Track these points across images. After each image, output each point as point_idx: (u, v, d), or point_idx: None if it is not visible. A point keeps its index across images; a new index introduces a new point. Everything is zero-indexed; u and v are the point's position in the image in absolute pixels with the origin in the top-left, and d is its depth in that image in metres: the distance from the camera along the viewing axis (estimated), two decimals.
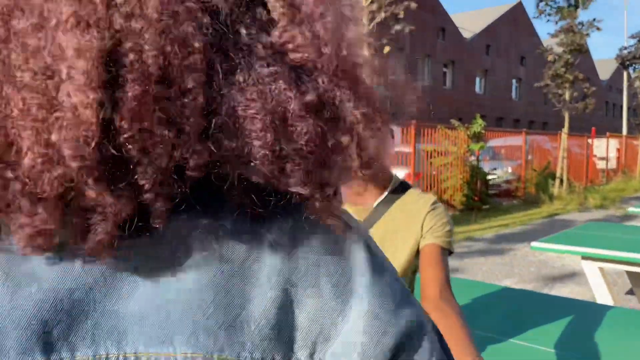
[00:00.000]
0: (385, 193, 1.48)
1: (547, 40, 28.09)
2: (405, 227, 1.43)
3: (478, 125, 10.55)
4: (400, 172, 9.25)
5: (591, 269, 3.54)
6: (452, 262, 6.24)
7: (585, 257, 3.52)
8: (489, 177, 11.24)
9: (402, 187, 1.50)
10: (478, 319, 1.97)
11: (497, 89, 34.17)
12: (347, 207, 1.45)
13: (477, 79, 32.72)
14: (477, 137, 10.56)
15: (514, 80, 36.03)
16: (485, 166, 11.35)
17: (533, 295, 2.54)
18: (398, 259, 1.42)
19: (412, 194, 1.48)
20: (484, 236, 8.04)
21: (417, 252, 1.41)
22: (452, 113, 25.63)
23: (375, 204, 1.46)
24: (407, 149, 9.47)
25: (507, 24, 34.70)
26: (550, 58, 12.77)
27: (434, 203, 1.45)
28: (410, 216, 1.43)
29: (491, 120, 31.83)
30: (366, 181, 1.46)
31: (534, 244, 3.64)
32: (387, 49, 6.49)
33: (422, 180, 9.75)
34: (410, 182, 8.67)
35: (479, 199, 10.84)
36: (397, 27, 6.69)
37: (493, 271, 5.85)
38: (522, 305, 2.21)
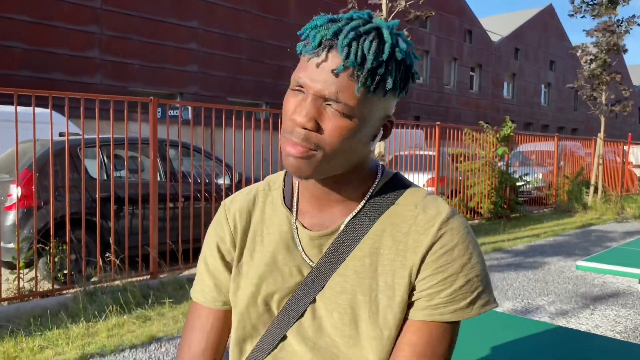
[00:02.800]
0: (362, 203, 0.91)
1: (577, 42, 27.17)
2: (392, 270, 0.86)
3: (508, 127, 9.93)
4: (422, 177, 8.70)
5: None
6: None
7: None
8: (519, 183, 10.59)
9: (394, 188, 0.92)
10: None
11: (526, 94, 33.22)
12: (303, 234, 0.92)
13: (505, 83, 31.84)
14: (506, 141, 9.94)
15: (542, 85, 35.01)
16: (515, 172, 10.70)
17: (606, 343, 1.98)
18: (382, 333, 0.86)
19: (408, 202, 0.89)
20: (514, 247, 7.42)
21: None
22: (478, 118, 24.91)
23: (343, 223, 0.90)
24: (431, 152, 8.91)
25: (536, 27, 33.75)
26: (584, 60, 12.04)
27: (444, 222, 0.86)
28: (401, 249, 0.86)
29: (519, 125, 30.91)
30: (330, 187, 0.89)
31: (580, 263, 3.08)
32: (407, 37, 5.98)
33: (446, 186, 9.17)
34: (432, 187, 8.12)
35: (508, 207, 10.19)
36: (418, 13, 6.15)
37: (525, 288, 5.25)
38: (576, 352, 1.66)
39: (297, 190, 0.95)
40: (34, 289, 4.40)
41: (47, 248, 4.49)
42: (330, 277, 0.88)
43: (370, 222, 0.88)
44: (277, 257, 0.92)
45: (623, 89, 11.97)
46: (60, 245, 4.55)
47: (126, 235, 4.87)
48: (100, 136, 4.87)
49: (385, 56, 0.78)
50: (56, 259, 4.52)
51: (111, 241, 4.85)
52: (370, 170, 0.92)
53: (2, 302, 4.23)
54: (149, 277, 5.01)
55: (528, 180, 11.04)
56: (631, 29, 11.65)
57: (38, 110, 4.53)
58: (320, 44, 0.79)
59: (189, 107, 7.56)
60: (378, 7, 6.20)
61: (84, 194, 4.66)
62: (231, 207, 0.99)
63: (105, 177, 5.29)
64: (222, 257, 0.97)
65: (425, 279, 0.84)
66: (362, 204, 0.90)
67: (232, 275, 0.96)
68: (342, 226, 0.89)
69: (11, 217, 4.66)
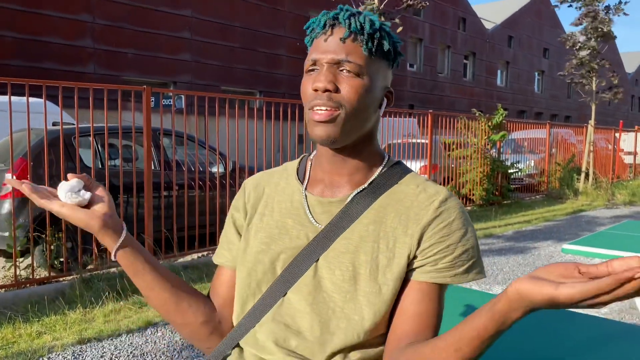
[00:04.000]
0: (370, 179, 1.03)
1: (568, 30, 27.20)
2: (393, 236, 0.97)
3: (500, 115, 10.00)
4: (415, 165, 8.78)
5: None
6: None
7: None
8: (511, 170, 10.69)
9: (397, 172, 1.05)
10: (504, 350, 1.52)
11: (519, 82, 33.28)
12: (313, 201, 1.04)
13: (499, 71, 31.87)
14: (498, 128, 10.02)
15: (536, 73, 35.07)
16: (507, 159, 10.79)
17: (578, 319, 2.07)
18: (380, 288, 0.95)
19: (410, 183, 1.03)
20: (505, 233, 7.53)
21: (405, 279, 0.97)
22: (472, 105, 24.97)
23: (351, 195, 1.02)
24: (424, 140, 8.98)
25: (529, 15, 33.73)
26: (573, 46, 12.08)
27: (443, 201, 0.98)
28: (404, 219, 0.98)
29: (512, 113, 31.01)
30: (341, 162, 1.02)
31: (566, 246, 3.16)
32: (399, 29, 6.00)
33: (439, 174, 9.25)
34: (426, 175, 8.22)
35: (500, 194, 10.30)
36: (410, 2, 6.19)
37: (515, 272, 5.35)
38: (562, 331, 1.74)
39: (309, 166, 1.09)
40: (30, 277, 4.46)
41: (43, 236, 4.54)
42: (335, 240, 0.99)
43: (376, 196, 1.01)
44: (287, 222, 1.04)
45: (612, 76, 12.04)
46: (56, 233, 4.60)
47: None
48: (94, 125, 4.90)
49: (377, 25, 0.97)
50: (52, 247, 4.57)
51: None
52: (377, 151, 1.05)
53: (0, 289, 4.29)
54: None
55: (520, 167, 11.14)
56: (619, 15, 11.68)
57: (32, 99, 4.56)
58: (325, 25, 0.98)
59: (183, 96, 7.59)
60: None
61: None
62: (248, 182, 1.15)
63: (100, 166, 5.33)
64: (234, 223, 1.12)
65: (429, 247, 0.95)
66: (370, 179, 1.03)
67: (243, 236, 1.09)
68: (351, 196, 1.02)
69: (6, 206, 4.70)
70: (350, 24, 0.95)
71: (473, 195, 9.68)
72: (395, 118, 9.89)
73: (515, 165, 10.86)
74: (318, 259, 0.98)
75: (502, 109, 10.20)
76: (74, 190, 0.96)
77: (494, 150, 10.17)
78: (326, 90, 0.94)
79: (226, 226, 1.14)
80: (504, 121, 10.11)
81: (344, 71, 0.95)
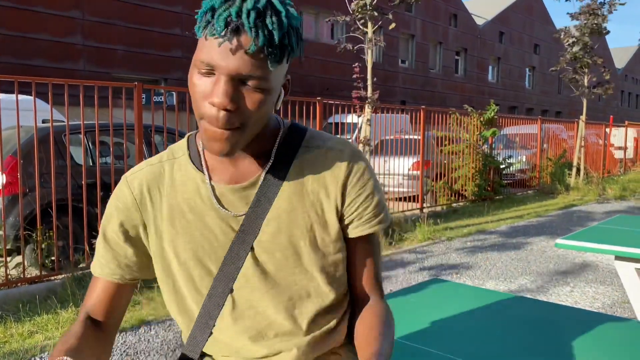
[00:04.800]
0: (274, 150, 0.98)
1: (562, 25, 27.25)
2: (319, 201, 0.98)
3: (492, 111, 10.03)
4: (407, 161, 8.79)
5: (627, 271, 3.07)
6: (463, 258, 5.77)
7: (620, 257, 3.05)
8: (503, 166, 10.72)
9: (295, 136, 1.01)
10: (489, 342, 1.51)
11: (510, 77, 33.41)
12: (224, 191, 0.96)
13: (490, 67, 31.98)
14: (490, 124, 10.05)
15: (527, 69, 35.22)
16: (499, 155, 10.83)
17: (569, 312, 2.07)
18: (324, 253, 0.98)
19: (313, 143, 1.00)
20: (498, 229, 7.56)
21: (341, 240, 1.01)
22: (464, 101, 25.02)
23: (262, 175, 0.97)
24: (416, 136, 8.98)
25: (520, 10, 33.85)
26: (567, 41, 12.14)
27: (351, 156, 0.99)
28: (322, 182, 0.98)
29: (504, 108, 31.13)
30: (235, 138, 0.88)
31: (559, 241, 3.17)
32: (392, 25, 6.01)
33: (431, 169, 9.27)
34: (418, 171, 8.19)
35: (492, 189, 10.33)
36: None
37: (508, 267, 5.38)
38: (554, 324, 1.74)
39: (202, 150, 0.99)
40: (21, 276, 4.42)
41: (34, 235, 4.49)
42: (261, 224, 0.95)
43: (286, 167, 0.97)
44: (205, 220, 0.96)
45: (604, 72, 12.11)
46: (47, 231, 4.56)
47: None
48: (85, 122, 4.86)
49: (285, 27, 0.83)
50: (43, 246, 4.53)
51: (98, 227, 4.86)
52: (271, 122, 0.99)
53: None
54: None
55: (512, 162, 11.18)
56: (615, 10, 11.75)
57: (21, 97, 4.51)
58: (226, 25, 0.80)
59: (174, 93, 7.51)
60: None
61: (70, 180, 4.66)
62: (134, 181, 0.99)
63: (91, 164, 5.29)
64: (125, 232, 0.98)
65: (351, 203, 0.99)
66: (273, 152, 0.98)
67: (154, 251, 0.99)
68: (262, 175, 0.96)
69: None
70: (257, 34, 0.80)
71: (465, 190, 9.71)
72: (387, 114, 9.89)
73: (507, 160, 10.90)
74: (253, 248, 0.95)
75: (494, 105, 10.23)
76: None
77: (486, 146, 10.20)
78: (226, 109, 0.83)
79: (110, 234, 0.99)
80: (495, 117, 10.14)
81: (247, 86, 0.83)
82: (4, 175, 4.46)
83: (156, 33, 16.00)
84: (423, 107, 8.94)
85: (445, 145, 9.48)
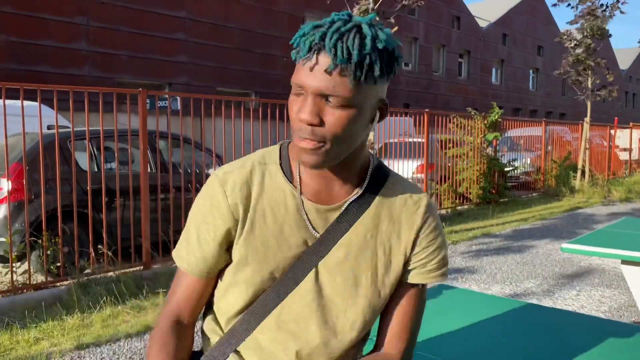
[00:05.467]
0: (364, 185, 1.04)
1: (565, 27, 27.24)
2: (389, 243, 1.05)
3: (495, 113, 10.01)
4: (411, 164, 8.77)
5: (633, 275, 3.05)
6: (469, 261, 5.76)
7: (627, 262, 3.03)
8: (507, 168, 10.70)
9: (381, 174, 1.08)
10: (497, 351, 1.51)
11: (514, 80, 33.35)
12: (310, 207, 1.02)
13: (493, 69, 31.93)
14: (494, 127, 10.03)
15: (530, 71, 35.15)
16: (503, 157, 10.80)
17: (577, 319, 2.06)
18: (379, 292, 1.05)
19: (395, 186, 1.07)
20: (502, 232, 7.54)
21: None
22: (467, 104, 25.00)
23: (347, 202, 1.03)
24: (420, 139, 8.97)
25: (523, 12, 33.80)
26: (569, 44, 12.12)
27: (428, 208, 1.07)
28: (397, 226, 1.05)
29: (508, 110, 31.07)
30: (334, 168, 1.00)
31: (565, 245, 3.15)
32: (394, 28, 6.01)
33: (435, 172, 9.26)
34: (422, 174, 8.16)
35: (497, 192, 10.31)
36: (405, 2, 6.21)
37: (513, 271, 5.36)
38: (560, 331, 1.73)
39: (298, 167, 1.03)
40: (27, 282, 4.43)
41: (40, 241, 4.51)
42: (333, 247, 1.00)
43: (368, 202, 1.03)
44: (284, 229, 1.00)
45: (607, 74, 12.08)
46: (53, 238, 4.57)
47: (118, 227, 4.90)
48: (89, 128, 4.87)
49: (368, 49, 0.88)
50: (49, 252, 4.54)
51: (103, 233, 4.87)
52: (366, 154, 1.04)
53: None
54: (142, 268, 5.05)
55: (516, 165, 11.16)
56: (615, 14, 11.73)
57: (26, 103, 4.53)
58: (310, 48, 0.89)
59: (178, 98, 7.56)
60: None
61: (75, 186, 4.68)
62: (227, 181, 1.01)
63: (96, 169, 5.30)
64: (217, 231, 1.00)
65: (421, 251, 1.04)
66: (364, 185, 1.03)
67: (235, 248, 1.01)
68: (347, 204, 1.02)
69: (2, 211, 4.66)
70: (335, 53, 0.87)
71: (470, 193, 9.69)
72: (390, 117, 9.88)
73: (511, 163, 10.87)
74: (317, 266, 1.00)
75: (497, 108, 10.21)
76: None
77: (490, 149, 10.18)
78: (310, 124, 0.90)
79: (202, 231, 1.02)
80: (499, 120, 10.12)
81: (330, 103, 0.90)
82: (9, 182, 4.47)
83: (160, 38, 16.05)
84: (427, 110, 8.93)
85: (450, 148, 9.46)
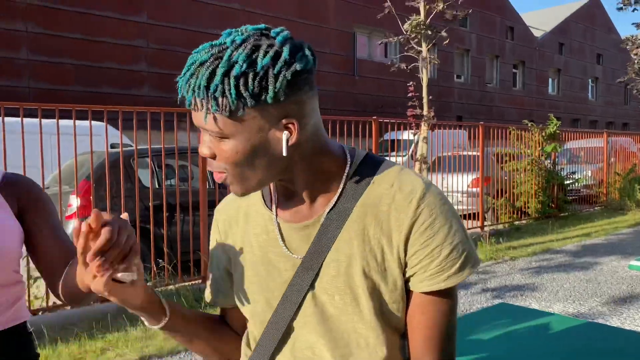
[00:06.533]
0: (338, 191, 0.94)
1: (626, 33, 26.12)
2: (380, 249, 0.92)
3: (553, 125, 9.71)
4: (466, 178, 8.62)
5: None
6: (528, 279, 5.58)
7: None
8: (567, 181, 10.33)
9: (367, 171, 0.95)
10: None
11: (572, 89, 32.26)
12: (287, 229, 0.97)
13: (550, 79, 31.01)
14: (552, 139, 9.72)
15: (589, 80, 33.91)
16: (563, 170, 10.44)
17: None
18: (381, 305, 0.93)
19: (383, 181, 0.94)
20: (564, 248, 7.26)
21: (405, 291, 0.93)
22: (523, 115, 24.34)
23: (323, 215, 0.94)
24: (475, 152, 8.81)
25: (581, 20, 32.75)
26: (634, 52, 11.65)
27: (421, 198, 0.90)
28: (385, 228, 0.91)
29: (566, 121, 30.05)
30: (299, 182, 0.93)
31: (634, 262, 3.02)
32: (446, 41, 5.97)
33: (491, 186, 9.05)
34: (477, 188, 8.00)
35: (557, 206, 9.96)
36: (455, 12, 6.16)
37: (577, 289, 5.15)
38: (630, 355, 1.66)
39: (273, 189, 1.01)
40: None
41: None
42: (321, 264, 0.93)
43: (350, 206, 0.93)
44: (270, 256, 0.98)
45: None
46: None
47: (178, 241, 5.05)
48: (151, 146, 5.08)
49: (217, 78, 0.82)
50: None
51: (164, 247, 5.04)
52: (337, 157, 0.95)
53: (66, 307, 4.48)
54: (200, 281, 5.18)
55: (576, 178, 10.75)
56: None
57: (93, 123, 4.78)
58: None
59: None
60: (416, 10, 6.22)
61: (138, 202, 4.87)
62: (220, 215, 1.08)
63: (157, 186, 5.51)
64: (217, 263, 1.07)
65: (414, 255, 0.90)
66: (339, 190, 0.94)
67: (234, 279, 1.05)
68: (325, 214, 0.94)
69: (71, 226, 4.90)
70: (187, 90, 0.84)
71: (528, 208, 9.41)
72: (444, 130, 9.77)
73: (571, 176, 10.49)
74: (314, 288, 0.94)
75: (555, 119, 9.91)
76: None
77: (549, 161, 9.87)
78: (207, 156, 0.90)
79: (210, 264, 1.09)
80: (557, 131, 9.81)
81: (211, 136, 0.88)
82: (78, 198, 4.71)
83: None
84: (482, 123, 8.77)
85: (506, 162, 9.24)
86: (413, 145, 7.08)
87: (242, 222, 1.03)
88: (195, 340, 1.05)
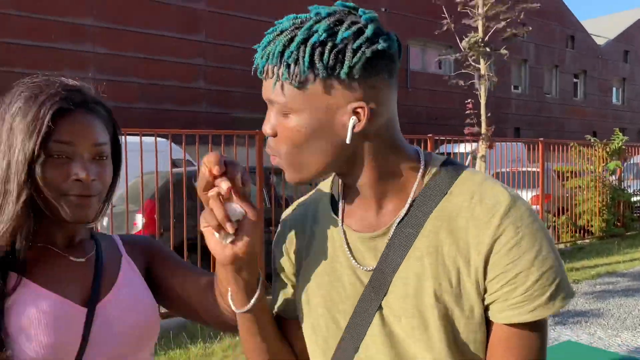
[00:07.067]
0: (409, 200, 0.85)
1: None
2: (455, 270, 0.81)
3: (619, 140, 9.31)
4: (526, 194, 8.39)
5: None
6: (592, 304, 5.35)
7: None
8: (634, 198, 9.86)
9: (444, 179, 0.86)
10: None
11: (638, 99, 30.78)
12: (354, 238, 0.89)
13: (614, 89, 29.73)
14: (617, 154, 9.32)
15: None
16: (630, 187, 9.97)
17: None
18: (454, 335, 0.82)
19: (462, 191, 0.84)
20: (631, 270, 6.92)
21: (485, 320, 0.82)
22: (584, 127, 23.48)
23: (393, 226, 0.85)
24: (535, 168, 8.57)
25: None
26: None
27: (505, 214, 0.79)
28: (462, 246, 0.81)
29: (632, 133, 28.67)
30: (368, 184, 0.86)
31: None
32: (505, 53, 5.87)
33: (552, 203, 8.76)
34: (537, 205, 7.74)
35: (622, 225, 9.51)
36: (514, 30, 6.07)
37: None
38: None
39: (342, 192, 0.93)
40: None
41: None
42: (390, 282, 0.84)
43: (423, 218, 0.83)
44: (335, 267, 0.90)
45: None
46: None
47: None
48: None
49: (294, 45, 0.79)
50: None
51: None
52: (410, 159, 0.87)
53: None
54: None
55: None
56: None
57: (158, 140, 5.02)
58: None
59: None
60: (474, 28, 6.16)
61: (200, 220, 5.03)
62: (286, 223, 1.00)
63: None
64: (281, 271, 0.98)
65: (495, 279, 0.79)
66: (409, 199, 0.85)
67: (297, 289, 0.97)
68: (394, 225, 0.85)
69: None
70: (264, 56, 0.82)
71: (591, 226, 9.03)
72: (502, 144, 9.56)
73: (638, 192, 10.01)
74: (381, 306, 0.85)
75: (620, 134, 9.50)
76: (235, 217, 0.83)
77: (614, 178, 9.45)
78: (267, 135, 0.86)
79: (275, 273, 1.00)
80: (623, 147, 9.40)
81: (276, 110, 0.83)
82: (143, 217, 4.93)
83: None
84: (541, 139, 8.53)
85: (568, 179, 8.92)
86: (469, 158, 6.97)
87: (310, 229, 0.96)
88: (264, 339, 0.93)
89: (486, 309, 0.81)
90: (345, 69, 0.78)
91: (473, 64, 6.29)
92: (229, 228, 0.82)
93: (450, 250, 0.81)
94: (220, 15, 16.13)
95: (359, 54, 0.78)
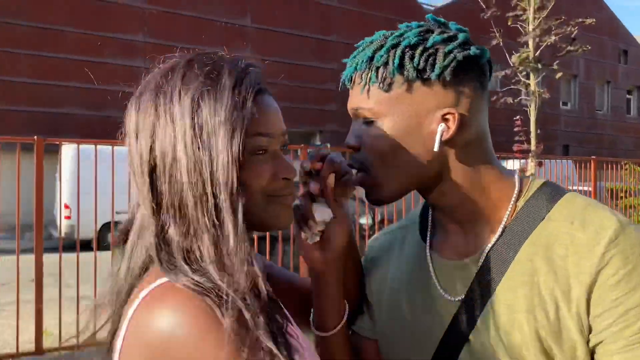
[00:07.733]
0: (502, 224, 0.78)
1: None
2: (553, 302, 0.72)
3: None
4: None
5: None
6: None
7: None
8: None
9: (541, 202, 0.78)
10: None
11: None
12: (441, 264, 0.84)
13: None
14: None
15: None
16: None
17: None
18: None
19: (562, 216, 0.75)
20: None
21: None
22: (639, 144, 22.55)
23: (484, 252, 0.79)
24: (587, 187, 8.26)
25: None
26: None
27: (612, 241, 0.70)
28: (562, 276, 0.72)
29: None
30: (459, 208, 0.81)
31: None
32: (558, 74, 5.72)
33: None
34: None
35: None
36: (570, 47, 5.90)
37: None
38: None
39: (431, 218, 0.89)
40: None
41: None
42: (480, 314, 0.77)
43: (517, 245, 0.76)
44: (418, 295, 0.85)
45: None
46: None
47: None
48: None
49: (384, 49, 0.78)
50: None
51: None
52: (504, 178, 0.81)
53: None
54: None
55: None
56: None
57: None
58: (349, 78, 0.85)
59: (328, 144, 7.96)
60: (526, 43, 6.03)
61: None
62: (371, 250, 0.98)
63: None
64: (384, 291, 0.92)
65: (601, 316, 0.70)
66: (502, 223, 0.79)
67: (375, 315, 0.93)
68: (485, 252, 0.79)
69: None
70: (353, 64, 0.82)
71: None
72: (550, 161, 9.28)
73: None
74: (469, 341, 0.78)
75: None
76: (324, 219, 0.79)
77: None
78: (349, 147, 0.82)
79: (367, 292, 0.96)
80: None
81: (362, 120, 0.81)
82: None
83: (312, 89, 17.05)
84: (593, 157, 8.23)
85: (621, 198, 8.56)
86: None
87: (395, 257, 0.92)
88: None
89: (592, 351, 0.71)
90: (436, 70, 0.75)
91: (523, 79, 6.14)
92: (312, 227, 0.79)
93: (547, 280, 0.73)
94: (265, 31, 16.42)
95: (450, 57, 0.75)
